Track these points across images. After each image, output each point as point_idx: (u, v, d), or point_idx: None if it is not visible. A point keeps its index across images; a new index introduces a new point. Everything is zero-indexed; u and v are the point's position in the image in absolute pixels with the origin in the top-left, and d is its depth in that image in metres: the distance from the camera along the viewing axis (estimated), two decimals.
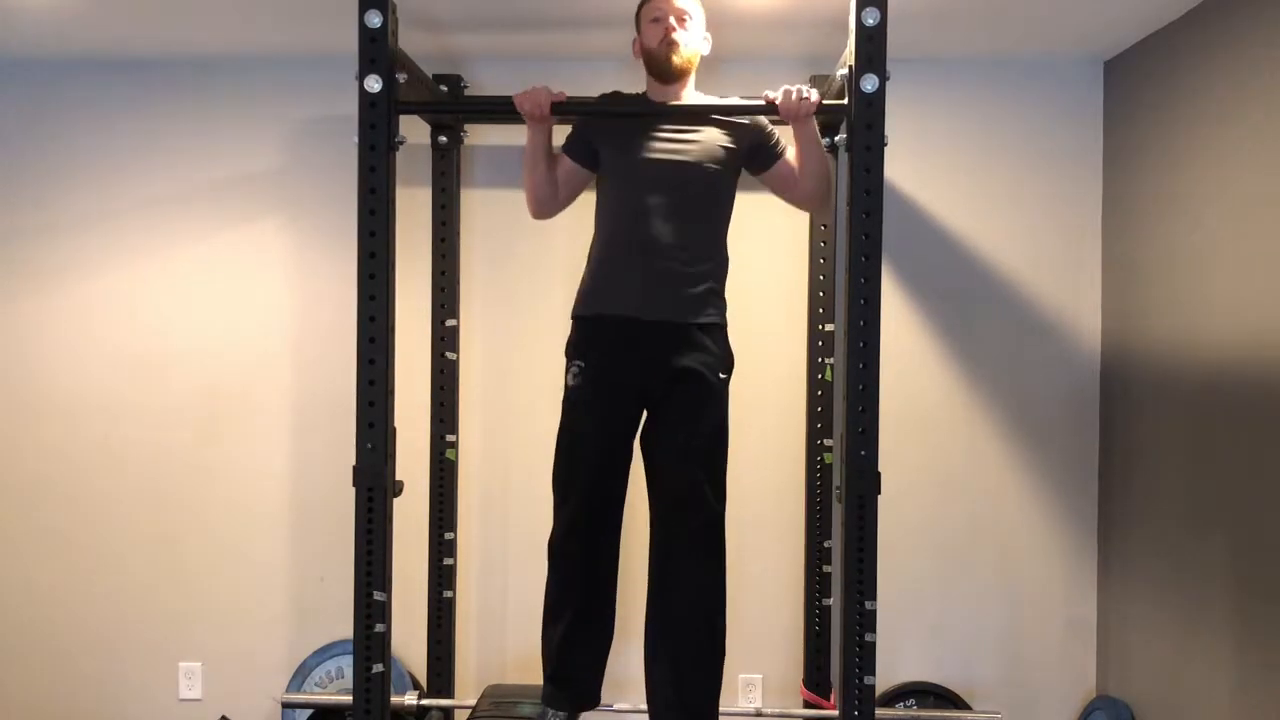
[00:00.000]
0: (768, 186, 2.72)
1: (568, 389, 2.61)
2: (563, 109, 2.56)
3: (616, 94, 2.70)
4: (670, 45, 2.56)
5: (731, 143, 2.62)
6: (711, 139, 2.61)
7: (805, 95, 2.46)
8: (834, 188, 2.71)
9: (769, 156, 2.66)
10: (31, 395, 3.48)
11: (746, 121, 2.64)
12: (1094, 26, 3.07)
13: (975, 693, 3.39)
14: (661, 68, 2.59)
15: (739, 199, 3.37)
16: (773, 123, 2.66)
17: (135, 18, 3.06)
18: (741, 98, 2.68)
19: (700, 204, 2.60)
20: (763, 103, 2.52)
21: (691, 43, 2.59)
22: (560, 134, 2.71)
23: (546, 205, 2.68)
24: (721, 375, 2.58)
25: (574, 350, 2.62)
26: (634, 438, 2.62)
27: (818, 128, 2.58)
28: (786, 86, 2.48)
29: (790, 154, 2.66)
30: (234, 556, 3.46)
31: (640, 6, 2.66)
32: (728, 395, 2.60)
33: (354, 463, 2.49)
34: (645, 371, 2.54)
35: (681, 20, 2.58)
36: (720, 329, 2.62)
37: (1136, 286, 3.17)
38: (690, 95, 2.65)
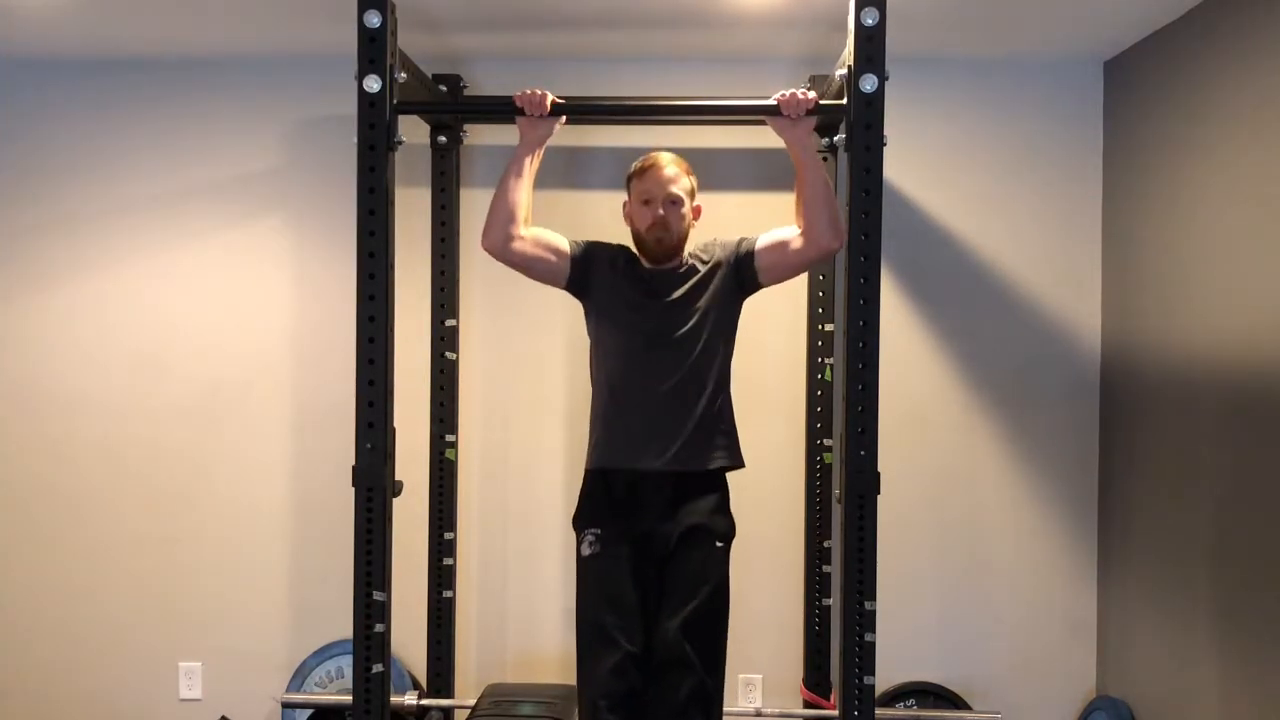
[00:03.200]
0: (775, 269, 2.59)
1: (584, 559, 2.55)
2: (562, 109, 2.56)
3: (616, 246, 2.67)
4: (660, 232, 2.56)
5: (722, 274, 2.59)
6: (703, 280, 2.59)
7: (803, 95, 2.46)
8: (840, 211, 2.64)
9: (747, 255, 2.60)
10: (30, 394, 3.48)
11: (718, 252, 2.62)
12: (1094, 26, 3.07)
13: (975, 693, 3.39)
14: (650, 252, 2.59)
15: (738, 198, 3.39)
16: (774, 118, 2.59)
17: (135, 18, 3.07)
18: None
19: (701, 351, 2.56)
20: (763, 102, 2.52)
21: (679, 226, 2.59)
22: (555, 150, 2.67)
23: (503, 227, 2.53)
24: (719, 544, 2.55)
25: (586, 519, 2.58)
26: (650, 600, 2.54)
27: (817, 145, 2.55)
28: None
29: (765, 236, 2.61)
30: (234, 556, 3.46)
31: (630, 177, 2.63)
32: (728, 563, 2.57)
33: (354, 463, 2.49)
34: (656, 531, 2.52)
35: (672, 204, 2.56)
36: (723, 478, 2.60)
37: (1136, 286, 3.17)
38: (681, 265, 2.62)
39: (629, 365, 2.56)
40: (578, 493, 2.62)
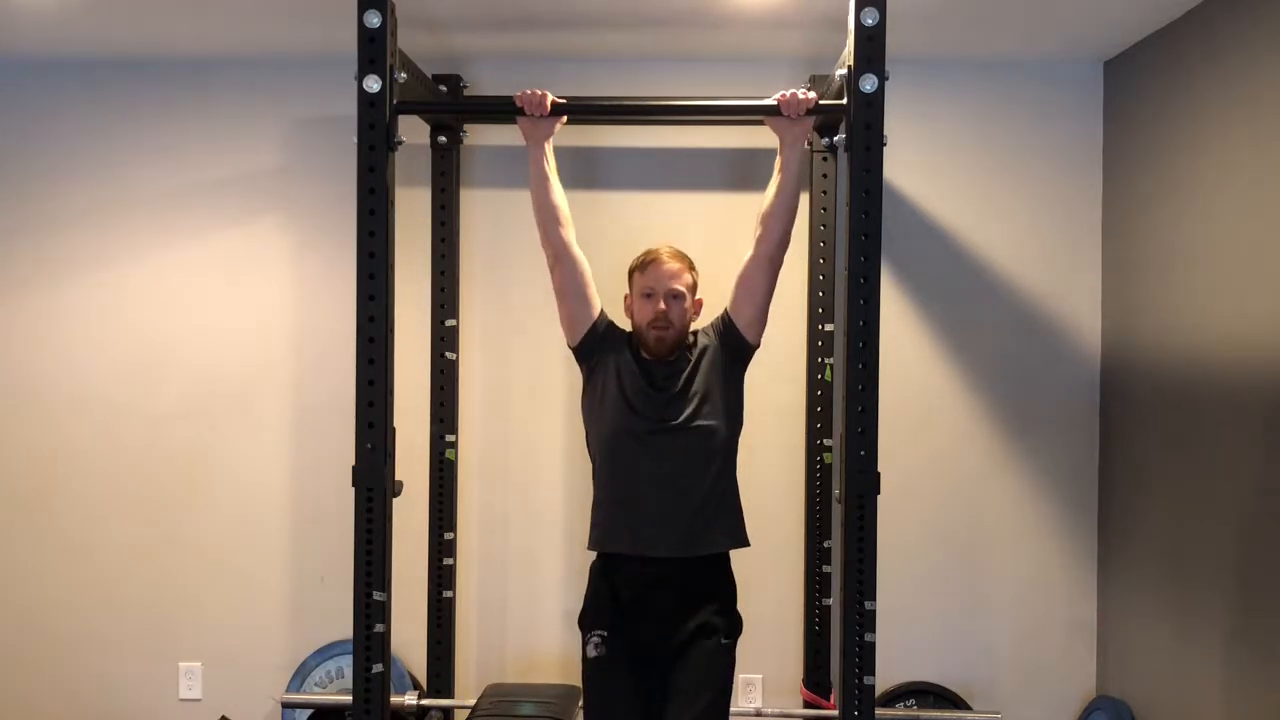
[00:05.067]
0: (750, 312, 2.58)
1: (590, 660, 2.53)
2: (563, 109, 2.56)
3: (627, 332, 2.65)
4: (661, 327, 2.55)
5: (711, 355, 2.59)
6: (695, 365, 2.57)
7: (804, 95, 2.47)
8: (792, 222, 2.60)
9: (726, 323, 2.60)
10: (30, 394, 3.48)
11: (702, 338, 2.62)
12: (1094, 26, 3.07)
13: (975, 693, 3.39)
14: (651, 348, 2.58)
15: (737, 198, 3.39)
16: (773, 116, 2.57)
17: (135, 18, 3.07)
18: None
19: (702, 437, 2.54)
20: (763, 102, 2.52)
21: (681, 321, 2.58)
22: (556, 150, 2.62)
23: (553, 228, 2.56)
24: (725, 641, 2.54)
25: (592, 620, 2.56)
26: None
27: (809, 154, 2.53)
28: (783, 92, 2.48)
29: (731, 296, 2.60)
30: (234, 556, 3.46)
31: (632, 271, 2.64)
32: (733, 661, 2.56)
33: (354, 463, 2.49)
34: (661, 633, 2.51)
35: (674, 299, 2.56)
36: (727, 561, 2.59)
37: (1136, 286, 3.17)
38: (678, 356, 2.60)
39: (630, 452, 2.54)
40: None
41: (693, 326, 2.65)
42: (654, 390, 2.56)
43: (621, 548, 2.55)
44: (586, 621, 2.58)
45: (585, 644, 2.55)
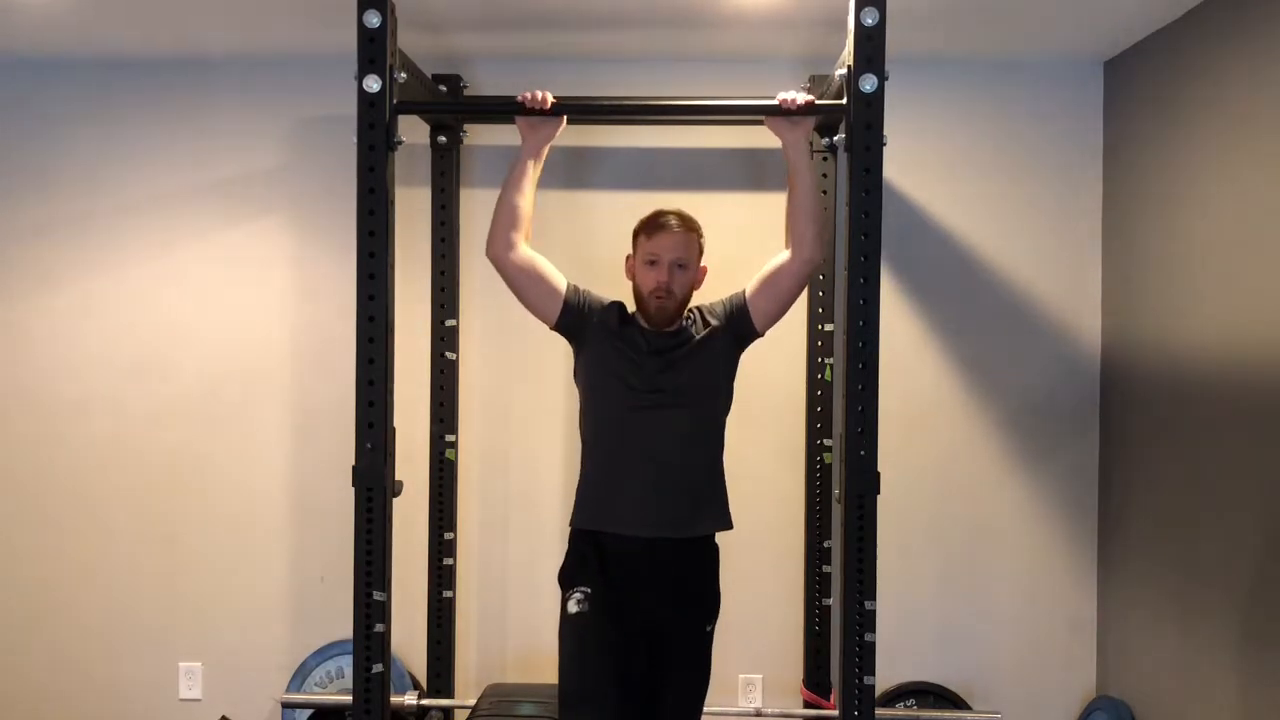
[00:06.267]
0: (769, 306, 2.55)
1: (569, 616, 2.44)
2: (563, 108, 2.56)
3: (612, 301, 2.60)
4: (663, 298, 2.50)
5: (719, 336, 2.55)
6: (700, 343, 2.54)
7: (804, 99, 2.46)
8: (829, 224, 2.53)
9: (740, 308, 2.56)
10: (32, 394, 3.48)
11: (711, 318, 2.58)
12: (1094, 26, 3.07)
13: (975, 693, 3.39)
14: (650, 316, 2.53)
15: (737, 198, 3.39)
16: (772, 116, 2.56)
17: (135, 18, 3.07)
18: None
19: (696, 414, 2.52)
20: (763, 102, 2.52)
21: (683, 292, 2.52)
22: (554, 150, 2.61)
23: (504, 232, 2.49)
24: (708, 628, 2.52)
25: (574, 578, 2.48)
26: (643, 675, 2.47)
27: (811, 151, 2.53)
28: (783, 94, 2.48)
29: (752, 281, 2.56)
30: (234, 556, 3.46)
31: (637, 233, 2.56)
32: (711, 645, 2.54)
33: (354, 462, 2.49)
34: (645, 607, 2.45)
35: (679, 268, 2.50)
36: (713, 543, 2.56)
37: (1136, 286, 3.17)
38: (679, 327, 2.56)
39: (621, 426, 2.50)
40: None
41: (698, 300, 2.60)
42: (648, 359, 2.51)
43: (610, 525, 2.48)
44: (567, 578, 2.51)
45: (565, 600, 2.48)
